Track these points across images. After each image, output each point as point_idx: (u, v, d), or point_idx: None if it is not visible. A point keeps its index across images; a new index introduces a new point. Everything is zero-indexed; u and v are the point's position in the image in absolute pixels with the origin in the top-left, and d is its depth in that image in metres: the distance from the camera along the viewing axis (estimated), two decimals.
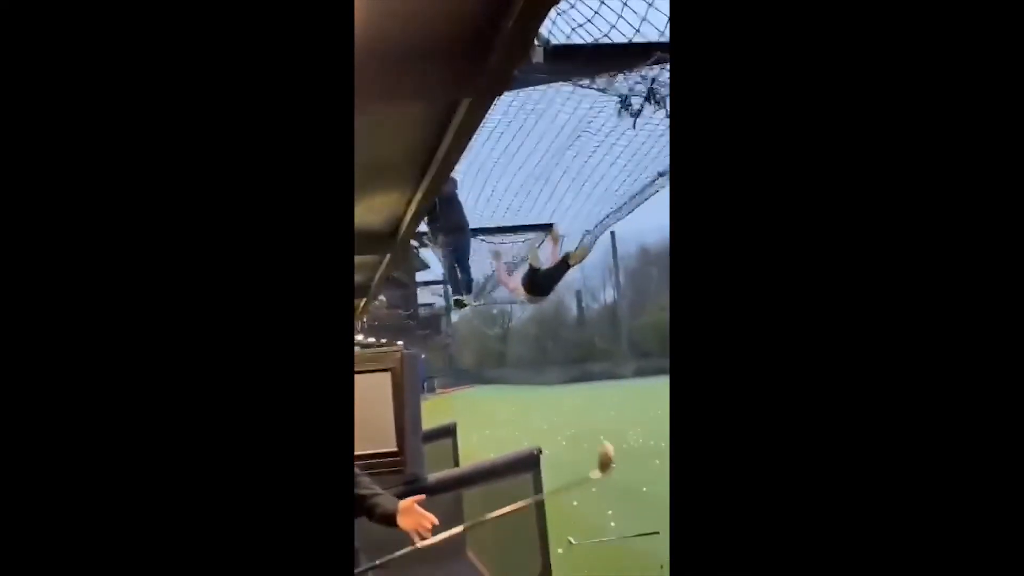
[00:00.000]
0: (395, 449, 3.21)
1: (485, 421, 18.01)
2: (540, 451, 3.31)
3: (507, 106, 4.83)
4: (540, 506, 3.39)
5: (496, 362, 51.80)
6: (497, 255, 7.81)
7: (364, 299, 16.40)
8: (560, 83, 4.29)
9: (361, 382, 3.46)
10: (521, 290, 6.94)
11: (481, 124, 4.86)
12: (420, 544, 2.22)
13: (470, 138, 5.16)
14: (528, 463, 3.35)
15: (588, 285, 49.03)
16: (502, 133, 5.39)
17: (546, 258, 6.65)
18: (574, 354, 46.16)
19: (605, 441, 2.58)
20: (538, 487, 3.45)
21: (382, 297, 17.55)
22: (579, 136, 5.21)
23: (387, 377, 3.26)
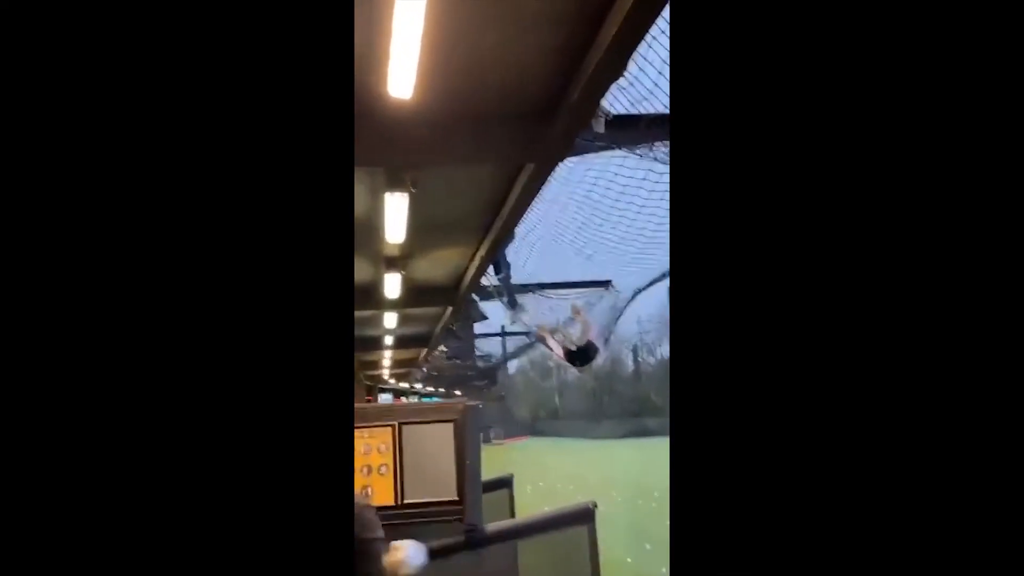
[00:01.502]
0: (456, 498, 3.28)
1: (539, 473, 17.83)
2: (595, 505, 3.34)
3: (568, 171, 4.98)
4: (595, 564, 3.41)
5: (551, 414, 51.32)
6: (576, 311, 7.84)
7: (426, 349, 16.60)
8: (617, 150, 4.42)
9: (425, 432, 3.57)
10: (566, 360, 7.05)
11: (544, 185, 5.03)
12: None
13: (532, 198, 5.33)
14: (583, 517, 3.38)
15: (645, 340, 48.61)
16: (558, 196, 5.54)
17: (576, 333, 6.75)
18: (630, 408, 45.45)
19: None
20: (593, 541, 3.47)
21: (443, 348, 17.73)
22: (632, 199, 5.31)
23: (450, 428, 3.35)
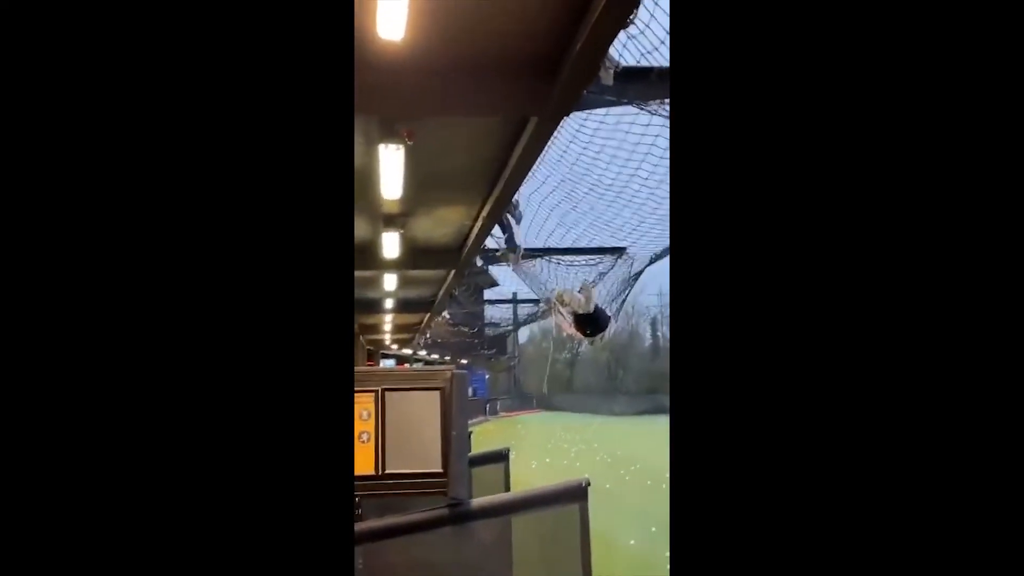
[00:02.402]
0: (440, 470, 3.26)
1: (546, 449, 17.97)
2: (588, 483, 3.31)
3: (577, 126, 4.88)
4: (586, 544, 3.39)
5: (563, 387, 51.59)
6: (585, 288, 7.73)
7: (428, 314, 16.63)
8: (628, 106, 4.33)
9: (410, 399, 3.53)
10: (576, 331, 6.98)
11: (548, 143, 4.95)
12: None
13: (537, 156, 5.25)
14: (575, 495, 3.35)
15: (665, 313, 48.51)
16: (565, 153, 5.45)
17: (581, 299, 6.66)
18: (645, 384, 45.54)
19: None
20: (584, 520, 3.45)
21: (446, 314, 17.75)
22: (644, 158, 5.22)
23: (436, 396, 3.31)
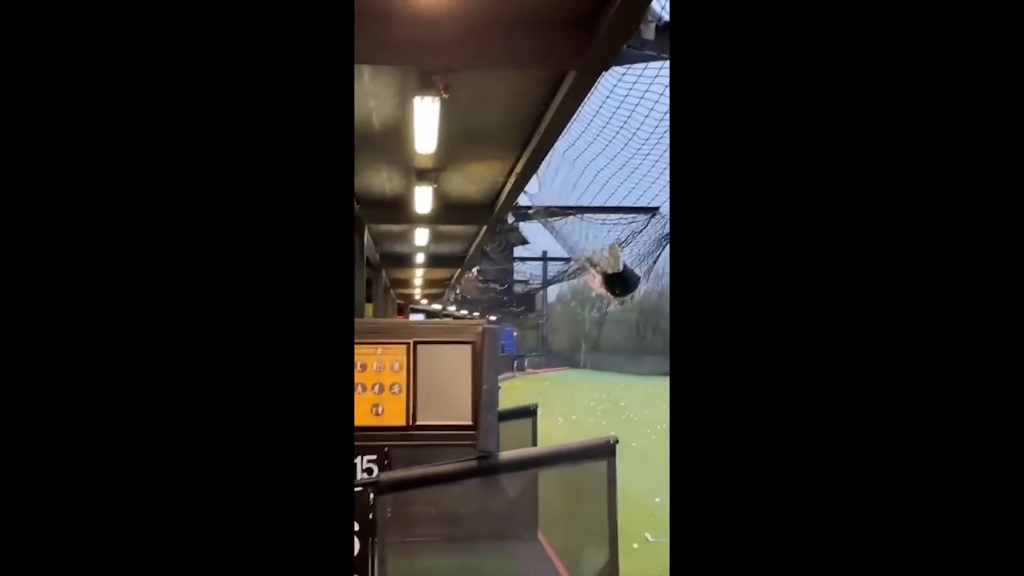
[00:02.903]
0: (470, 423, 3.35)
1: (572, 406, 18.10)
2: (616, 440, 3.39)
3: (614, 82, 4.86)
4: (612, 500, 3.47)
5: (591, 346, 51.71)
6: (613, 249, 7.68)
7: (459, 269, 16.72)
8: (668, 61, 4.30)
9: (441, 353, 3.61)
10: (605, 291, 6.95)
11: (586, 98, 4.93)
12: None
13: (574, 111, 5.24)
14: (603, 451, 3.43)
15: None
16: (601, 108, 5.42)
17: (609, 258, 6.62)
18: None
19: None
20: (612, 477, 3.52)
21: (476, 270, 17.83)
22: None
23: (468, 350, 3.39)
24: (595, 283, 7.93)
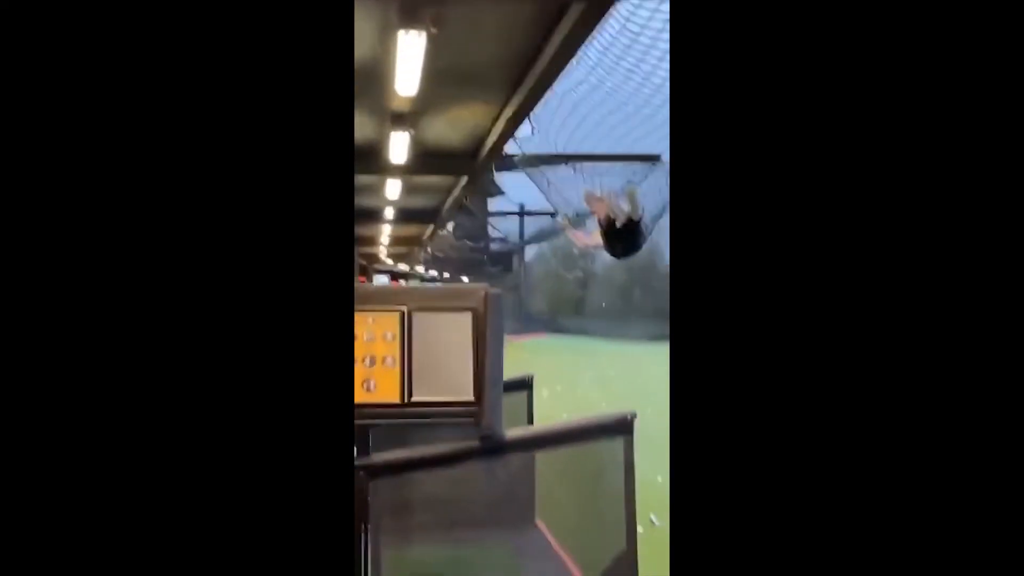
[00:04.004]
0: (471, 399, 3.27)
1: (557, 376, 18.18)
2: (634, 416, 3.35)
3: (627, 14, 4.72)
4: (630, 481, 3.44)
5: (574, 309, 51.90)
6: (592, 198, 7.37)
7: (432, 226, 16.63)
8: None
9: (440, 321, 3.52)
10: (597, 243, 6.67)
11: (592, 33, 4.82)
12: None
13: (577, 47, 5.12)
14: (620, 428, 3.39)
15: None
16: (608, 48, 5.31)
17: (626, 208, 6.28)
18: (665, 307, 45.65)
19: None
20: (629, 459, 3.49)
21: (451, 226, 17.70)
22: None
23: (468, 318, 3.29)
24: (582, 236, 7.72)
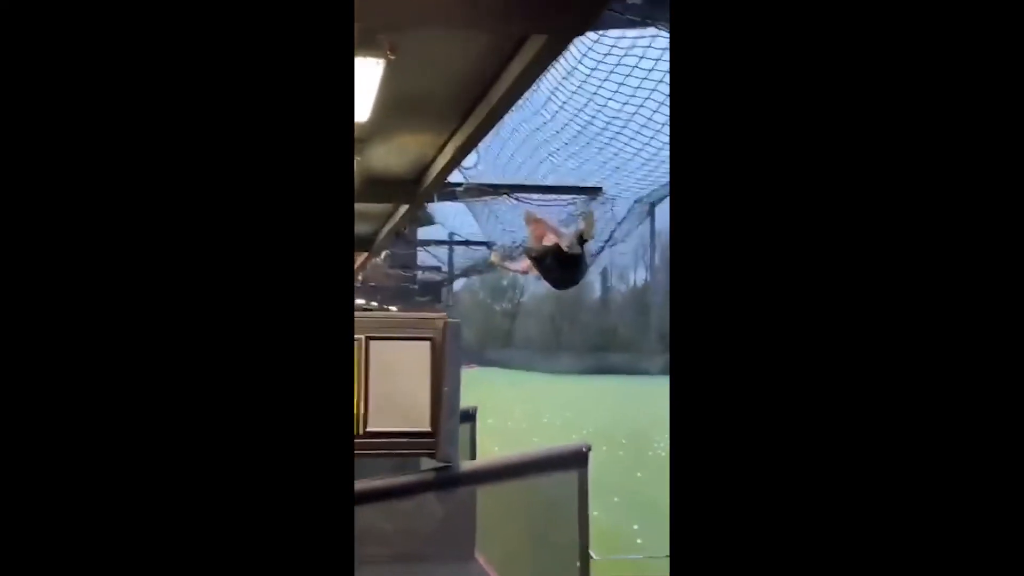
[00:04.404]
0: (428, 429, 3.24)
1: (487, 409, 18.08)
2: (589, 449, 3.35)
3: (585, 49, 4.78)
4: (584, 514, 3.43)
5: (502, 342, 51.95)
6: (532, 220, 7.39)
7: (366, 254, 16.48)
8: (651, 27, 4.27)
9: (397, 350, 3.49)
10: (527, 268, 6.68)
11: (550, 65, 4.85)
12: None
13: (535, 79, 5.14)
14: (574, 461, 3.39)
15: (617, 263, 48.85)
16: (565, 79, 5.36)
17: (572, 238, 6.30)
18: (593, 341, 46.16)
19: None
20: (583, 491, 3.49)
21: (383, 254, 17.55)
22: (654, 90, 5.19)
23: (427, 347, 3.28)
24: (516, 265, 7.66)
